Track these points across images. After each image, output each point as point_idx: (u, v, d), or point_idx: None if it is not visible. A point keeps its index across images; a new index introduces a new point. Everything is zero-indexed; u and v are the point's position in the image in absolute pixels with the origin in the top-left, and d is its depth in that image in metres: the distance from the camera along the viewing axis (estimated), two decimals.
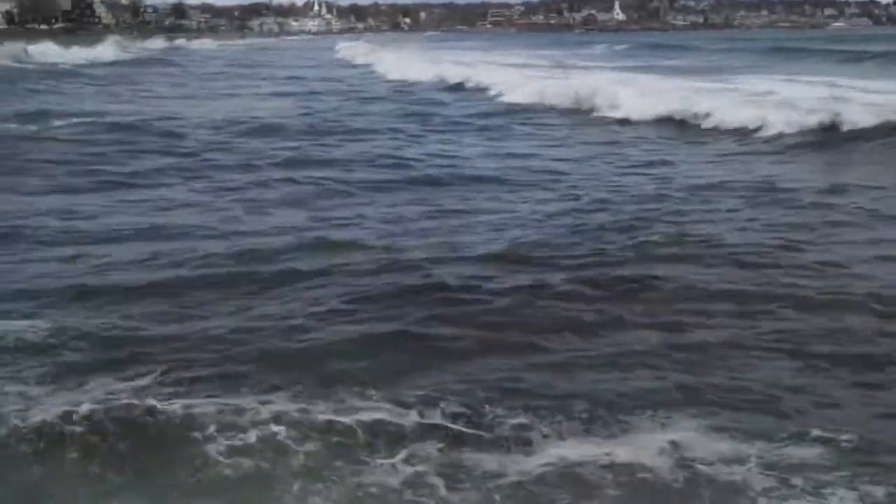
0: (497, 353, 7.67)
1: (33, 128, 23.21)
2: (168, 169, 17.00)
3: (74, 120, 25.02)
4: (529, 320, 8.37)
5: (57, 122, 24.49)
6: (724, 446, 5.82)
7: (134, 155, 18.58)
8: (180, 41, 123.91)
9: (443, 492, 5.60)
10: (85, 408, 6.75)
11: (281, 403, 6.79)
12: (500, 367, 7.40)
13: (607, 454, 5.85)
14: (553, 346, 7.77)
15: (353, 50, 72.15)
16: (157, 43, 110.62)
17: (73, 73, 55.63)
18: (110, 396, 6.95)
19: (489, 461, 5.91)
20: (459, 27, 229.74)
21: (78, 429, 6.50)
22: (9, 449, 6.26)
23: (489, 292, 9.13)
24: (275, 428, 6.43)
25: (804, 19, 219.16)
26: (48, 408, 6.79)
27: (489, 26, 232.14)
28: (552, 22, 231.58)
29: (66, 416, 6.64)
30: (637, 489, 5.48)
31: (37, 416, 6.65)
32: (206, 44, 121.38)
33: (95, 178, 15.95)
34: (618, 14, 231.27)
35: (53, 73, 54.95)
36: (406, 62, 52.71)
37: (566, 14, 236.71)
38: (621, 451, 5.88)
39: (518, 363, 7.44)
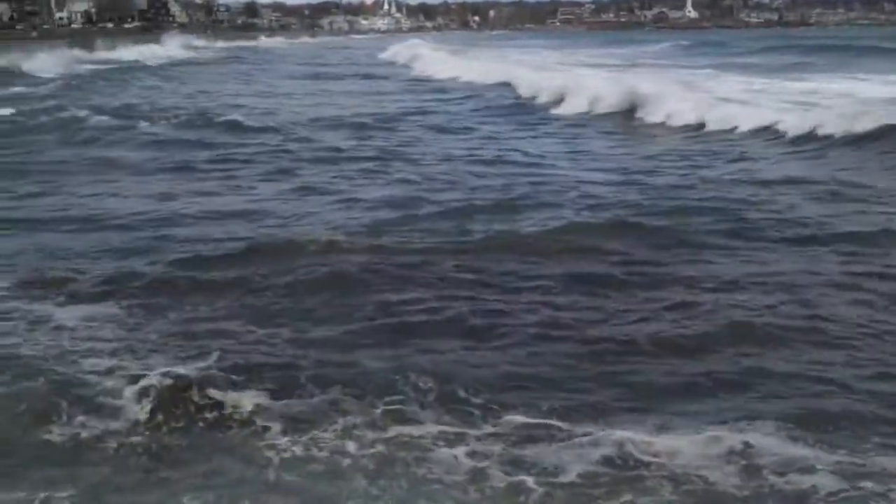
0: None
1: (144, 123, 24.39)
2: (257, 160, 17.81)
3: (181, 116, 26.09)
4: None
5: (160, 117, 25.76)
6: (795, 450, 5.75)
7: (249, 159, 18.82)
8: (254, 42, 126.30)
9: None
10: (154, 396, 6.84)
11: (347, 403, 6.77)
12: None
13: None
14: None
15: (412, 49, 71.56)
16: (231, 41, 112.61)
17: (157, 70, 57.17)
18: (179, 385, 7.01)
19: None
20: (528, 25, 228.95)
21: (146, 415, 6.61)
22: (80, 446, 6.33)
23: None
24: (342, 422, 6.43)
25: (883, 16, 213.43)
26: (121, 392, 6.94)
27: (558, 24, 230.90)
28: (623, 20, 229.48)
29: (137, 398, 6.79)
30: (698, 487, 5.44)
31: (111, 401, 6.80)
32: (277, 42, 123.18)
33: (234, 181, 16.27)
34: (690, 11, 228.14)
35: (132, 69, 56.43)
36: (473, 64, 51.20)
37: (637, 12, 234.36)
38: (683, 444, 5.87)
39: None
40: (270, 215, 13.21)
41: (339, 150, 19.57)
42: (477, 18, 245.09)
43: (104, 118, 25.51)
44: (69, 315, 8.87)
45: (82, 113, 26.80)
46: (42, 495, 5.75)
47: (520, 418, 6.46)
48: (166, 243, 11.62)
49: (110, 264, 10.70)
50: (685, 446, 5.87)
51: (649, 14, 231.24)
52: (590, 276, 9.68)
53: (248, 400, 6.94)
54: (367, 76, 49.66)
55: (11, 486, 5.87)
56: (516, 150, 19.22)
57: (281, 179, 16.14)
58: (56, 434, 6.48)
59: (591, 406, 6.64)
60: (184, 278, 9.95)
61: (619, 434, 6.06)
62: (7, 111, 27.50)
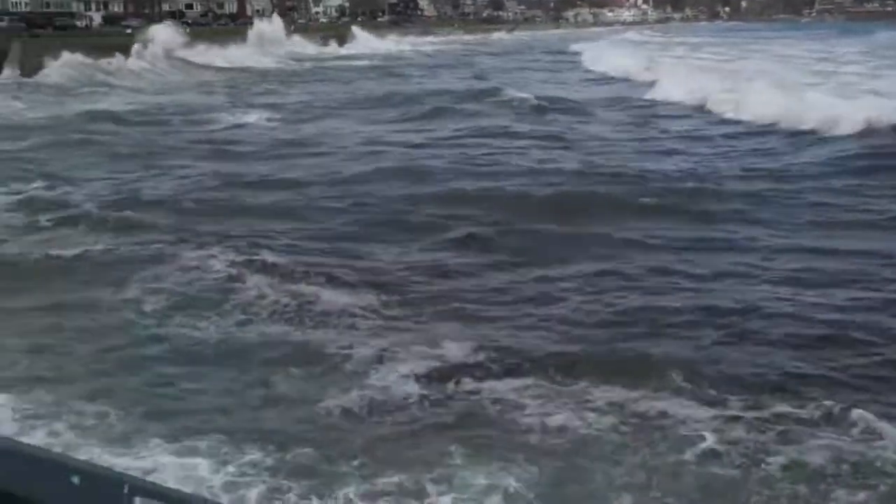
0: None
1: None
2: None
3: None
4: None
5: None
6: None
7: None
8: (498, 34, 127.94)
9: None
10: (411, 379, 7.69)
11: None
12: None
13: None
14: None
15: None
16: (478, 35, 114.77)
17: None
18: (430, 370, 7.78)
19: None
20: (782, 16, 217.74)
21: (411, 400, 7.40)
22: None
23: None
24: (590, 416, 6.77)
25: None
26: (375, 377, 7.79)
27: (815, 14, 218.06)
28: (889, 9, 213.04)
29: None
30: None
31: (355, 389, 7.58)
32: (521, 36, 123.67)
33: None
34: None
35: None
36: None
37: None
38: None
39: None
40: None
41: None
42: (727, 9, 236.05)
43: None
44: None
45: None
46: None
47: None
48: None
49: None
50: None
51: None
52: None
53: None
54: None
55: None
56: None
57: None
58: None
59: None
60: None
61: None
62: None
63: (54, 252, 12.17)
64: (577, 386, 7.40)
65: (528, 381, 7.56)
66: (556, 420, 6.76)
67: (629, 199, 15.24)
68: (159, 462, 6.17)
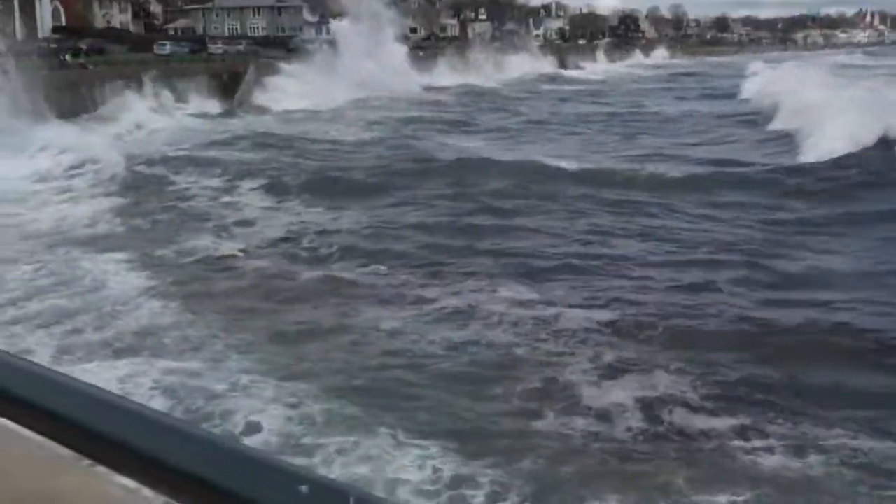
0: None
1: None
2: None
3: None
4: None
5: None
6: None
7: None
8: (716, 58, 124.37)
9: None
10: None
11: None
12: None
13: None
14: None
15: None
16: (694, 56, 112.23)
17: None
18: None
19: None
20: None
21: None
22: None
23: None
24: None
25: None
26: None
27: None
28: None
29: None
30: None
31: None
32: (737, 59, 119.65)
33: None
34: None
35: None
36: None
37: None
38: None
39: None
40: None
41: None
42: None
43: None
44: None
45: None
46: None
47: None
48: None
49: None
50: None
51: None
52: None
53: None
54: None
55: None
56: None
57: None
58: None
59: None
60: None
61: None
62: None
63: None
64: (800, 422, 7.13)
65: (750, 414, 7.32)
66: (777, 456, 6.52)
67: None
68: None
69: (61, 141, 26.60)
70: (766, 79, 48.29)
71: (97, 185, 21.13)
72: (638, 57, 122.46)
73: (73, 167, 23.76)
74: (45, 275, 12.70)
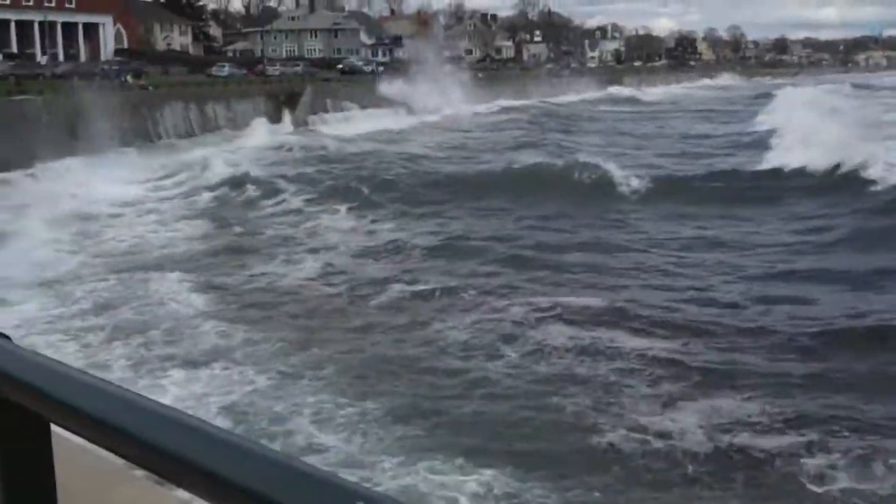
0: None
1: None
2: None
3: None
4: None
5: None
6: None
7: None
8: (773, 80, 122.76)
9: None
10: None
11: None
12: None
13: None
14: None
15: None
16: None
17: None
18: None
19: None
20: None
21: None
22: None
23: None
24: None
25: None
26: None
27: None
28: None
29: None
30: None
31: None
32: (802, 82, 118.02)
33: None
34: None
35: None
36: None
37: None
38: None
39: None
40: None
41: None
42: None
43: None
44: None
45: None
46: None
47: None
48: None
49: None
50: None
51: None
52: None
53: None
54: None
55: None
56: None
57: None
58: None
59: None
60: None
61: None
62: None
63: None
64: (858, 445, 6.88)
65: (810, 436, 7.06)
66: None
67: None
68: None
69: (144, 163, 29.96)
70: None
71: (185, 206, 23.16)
72: (695, 79, 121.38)
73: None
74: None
